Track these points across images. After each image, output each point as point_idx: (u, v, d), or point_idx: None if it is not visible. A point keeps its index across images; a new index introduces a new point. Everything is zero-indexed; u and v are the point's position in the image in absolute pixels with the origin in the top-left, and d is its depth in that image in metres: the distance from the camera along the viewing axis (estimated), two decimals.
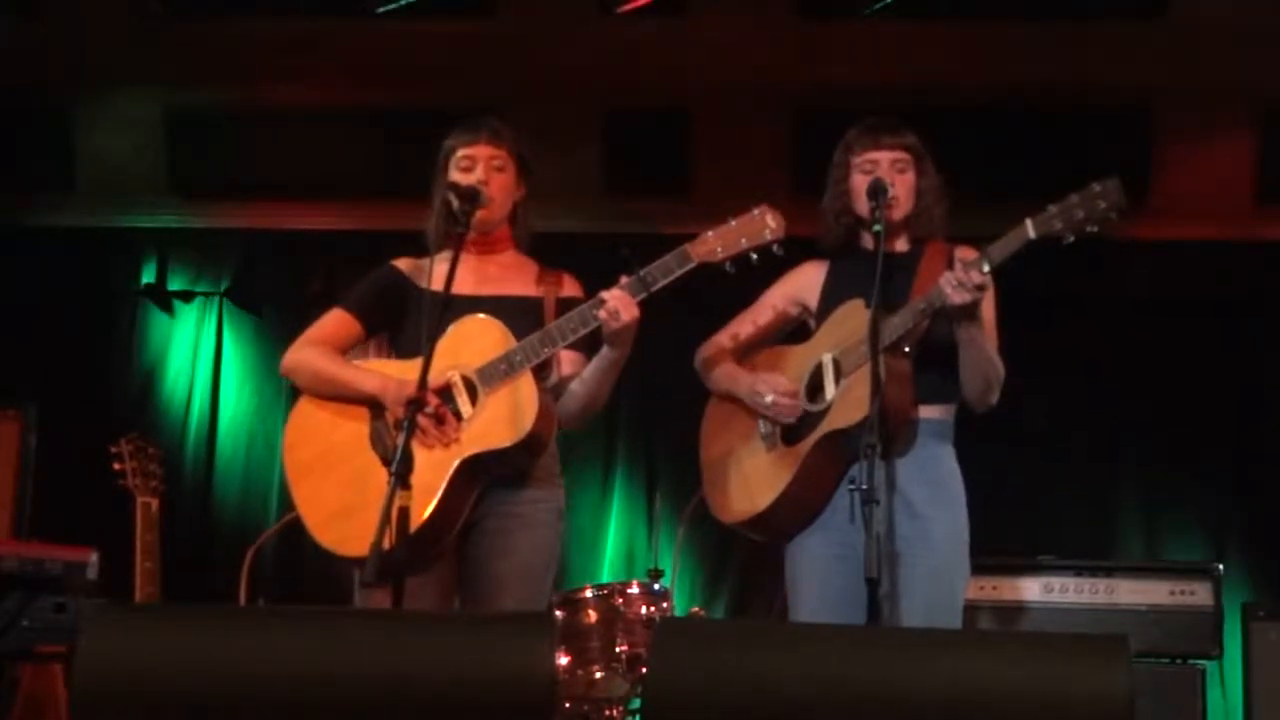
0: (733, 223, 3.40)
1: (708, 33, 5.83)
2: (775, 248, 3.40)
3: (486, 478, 3.41)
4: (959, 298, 3.29)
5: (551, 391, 3.48)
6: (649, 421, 6.36)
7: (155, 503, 4.73)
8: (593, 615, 4.47)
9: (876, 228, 3.41)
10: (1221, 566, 5.15)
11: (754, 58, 5.88)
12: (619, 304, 3.32)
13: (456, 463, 3.34)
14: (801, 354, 3.58)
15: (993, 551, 5.68)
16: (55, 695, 4.66)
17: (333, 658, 2.46)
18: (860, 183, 3.52)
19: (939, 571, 3.41)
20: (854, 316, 3.46)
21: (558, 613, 4.44)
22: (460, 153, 3.54)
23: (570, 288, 3.57)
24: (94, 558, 4.83)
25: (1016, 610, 5.02)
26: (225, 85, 6.09)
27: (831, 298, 3.59)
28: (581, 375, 3.49)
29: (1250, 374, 6.11)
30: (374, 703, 2.42)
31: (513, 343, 3.39)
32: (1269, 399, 6.06)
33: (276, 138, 6.19)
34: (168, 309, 6.57)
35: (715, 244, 3.38)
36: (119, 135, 6.29)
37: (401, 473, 3.05)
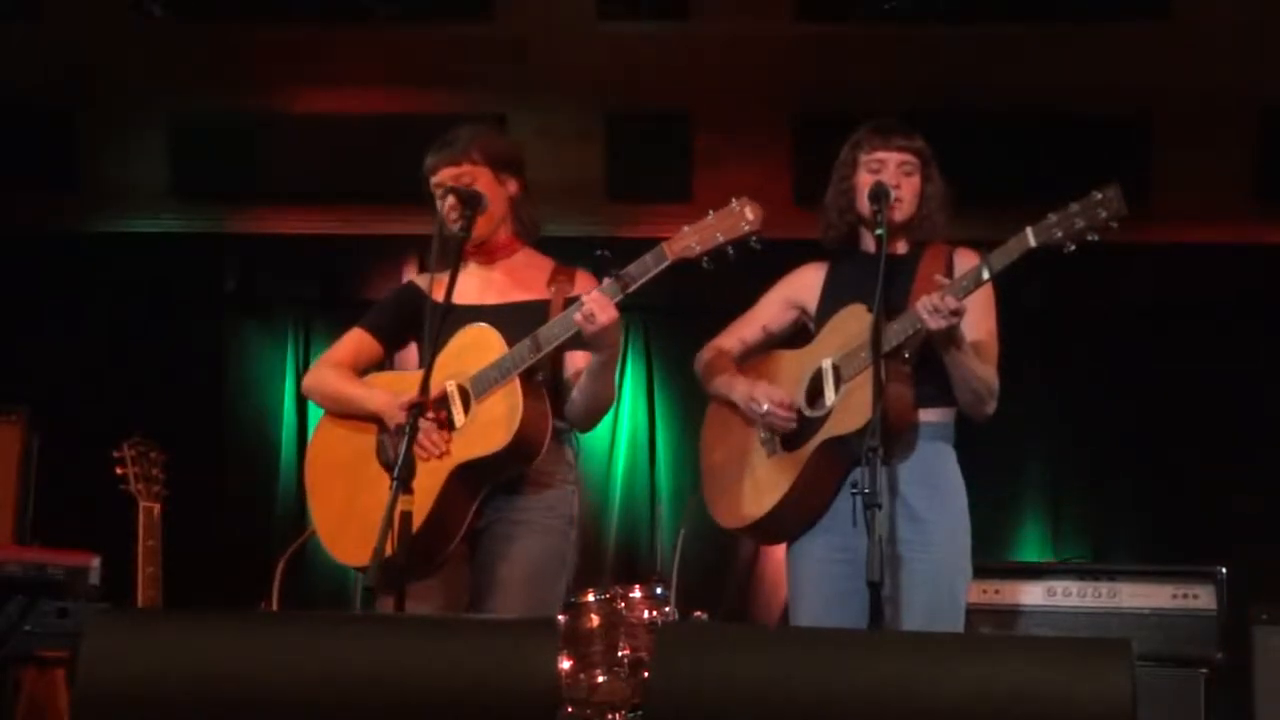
0: (710, 217, 3.34)
1: (709, 36, 5.83)
2: (753, 241, 3.32)
3: (486, 485, 3.42)
4: (934, 324, 3.30)
5: (561, 393, 3.49)
6: (650, 424, 6.37)
7: (157, 507, 4.73)
8: (595, 619, 4.48)
9: (879, 231, 3.41)
10: (1224, 570, 5.14)
11: (755, 61, 5.88)
12: (595, 306, 3.29)
13: (448, 471, 3.35)
14: (801, 358, 3.58)
15: (995, 555, 5.70)
16: (57, 700, 4.66)
17: (335, 662, 2.46)
18: (866, 181, 3.52)
19: (939, 574, 3.41)
20: (854, 321, 3.46)
21: (560, 617, 4.44)
22: (431, 182, 3.56)
23: (582, 285, 3.55)
24: (96, 563, 4.84)
25: (1019, 614, 5.01)
26: (228, 91, 6.10)
27: (831, 301, 3.59)
28: (579, 380, 3.49)
29: (1252, 377, 6.11)
30: (376, 707, 2.42)
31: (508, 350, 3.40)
32: (1270, 401, 6.07)
33: (279, 143, 6.19)
34: (171, 314, 6.58)
35: (691, 239, 3.33)
36: (122, 140, 6.30)
37: (404, 478, 3.06)
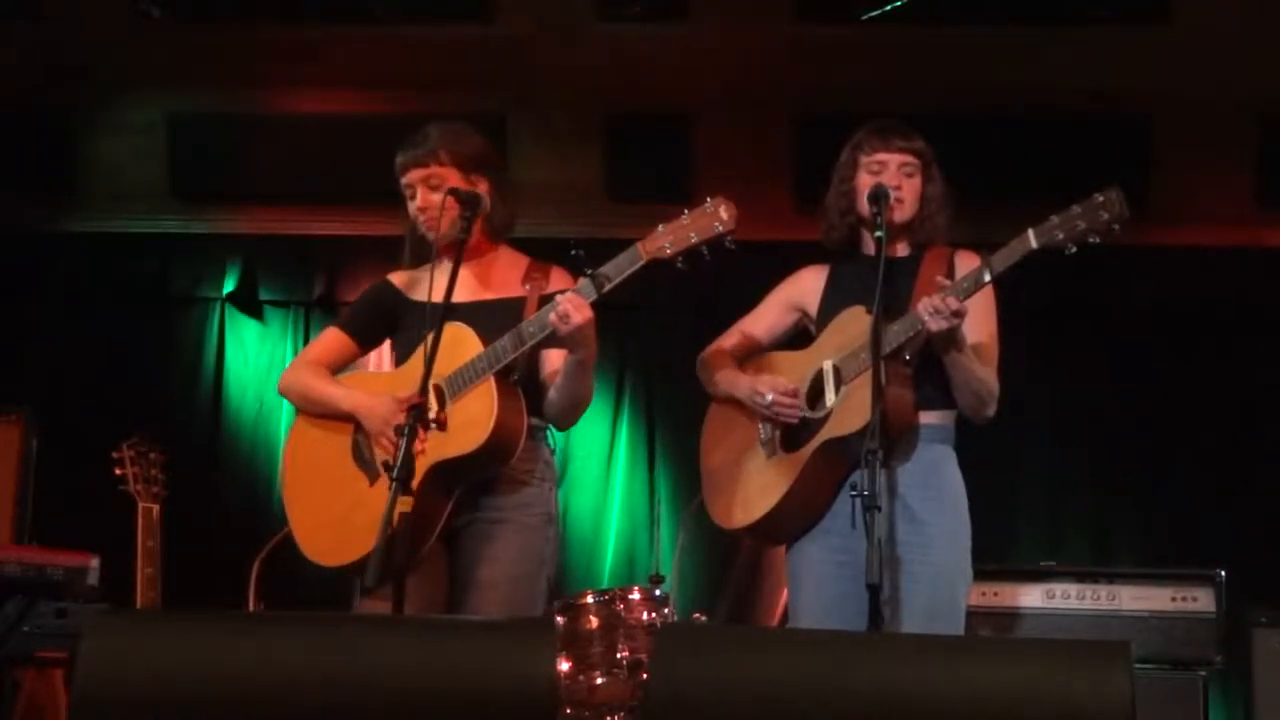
0: (685, 217, 3.31)
1: (708, 38, 5.83)
2: (727, 241, 3.29)
3: (461, 483, 3.40)
4: (935, 325, 3.30)
5: (539, 391, 3.48)
6: (650, 426, 6.36)
7: (156, 508, 4.73)
8: (594, 621, 4.46)
9: (878, 234, 3.41)
10: (1223, 573, 5.14)
11: (754, 63, 5.88)
12: (569, 307, 3.28)
13: (424, 471, 3.31)
14: (802, 360, 3.58)
15: (994, 558, 5.71)
16: (56, 701, 4.65)
17: (333, 663, 2.46)
18: (866, 182, 3.52)
19: (940, 577, 3.41)
20: (855, 323, 3.45)
21: (559, 618, 4.44)
22: (401, 182, 3.55)
23: (558, 282, 3.54)
24: (95, 563, 4.83)
25: (1018, 617, 5.01)
26: (227, 91, 6.10)
27: (832, 303, 3.59)
28: (556, 379, 3.48)
29: (1252, 380, 6.11)
30: (374, 708, 2.42)
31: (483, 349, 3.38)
32: (1270, 405, 6.06)
33: (278, 143, 6.19)
34: (170, 315, 6.58)
35: (665, 239, 3.31)
36: (121, 141, 6.30)
37: (403, 478, 3.06)
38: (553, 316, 3.30)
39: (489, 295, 3.53)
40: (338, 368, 3.63)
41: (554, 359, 3.50)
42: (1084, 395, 6.18)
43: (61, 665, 4.61)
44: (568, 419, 3.55)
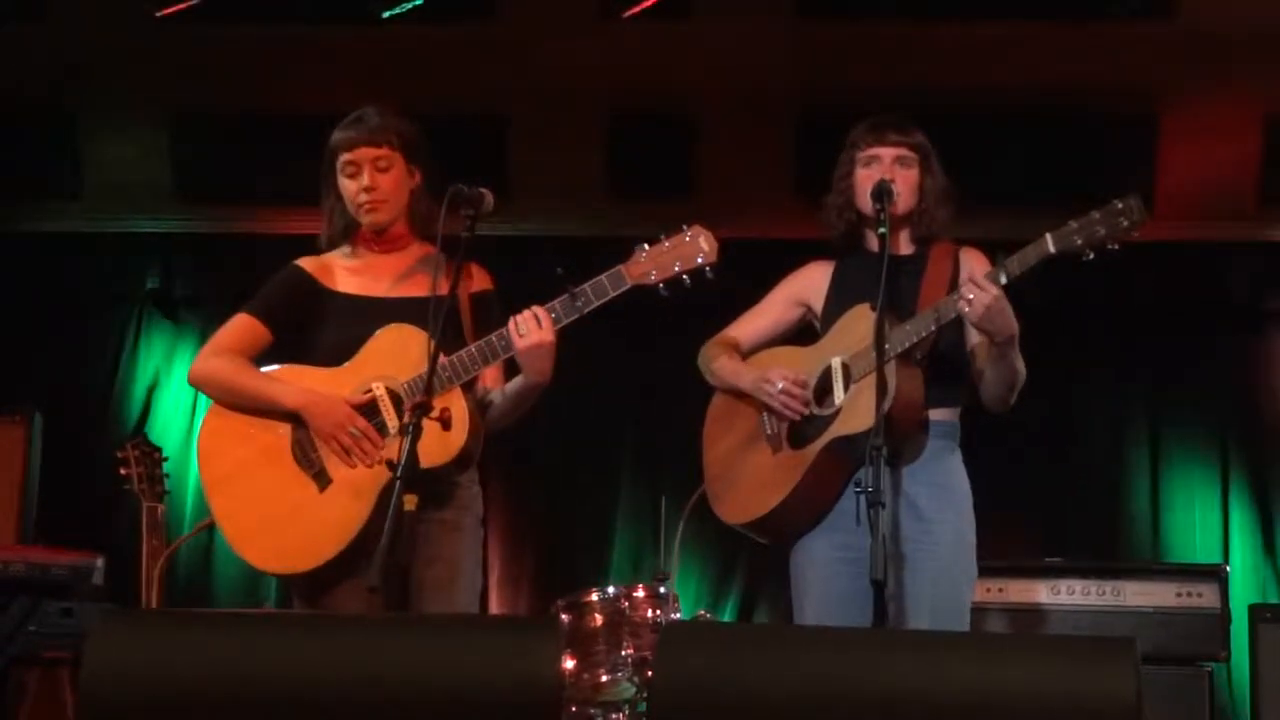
0: (665, 244, 3.30)
1: (710, 36, 5.83)
2: (707, 271, 3.29)
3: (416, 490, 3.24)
4: (975, 316, 3.26)
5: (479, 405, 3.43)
6: (654, 425, 6.36)
7: (161, 508, 4.74)
8: (599, 619, 4.47)
9: (882, 230, 3.40)
10: (1228, 568, 5.14)
11: (756, 60, 5.88)
12: (527, 323, 3.24)
13: (386, 479, 3.22)
14: (808, 356, 3.57)
15: (1000, 554, 5.71)
16: (62, 700, 4.66)
17: (338, 662, 2.46)
18: (864, 177, 3.51)
19: (944, 573, 3.40)
20: (864, 321, 3.44)
21: (564, 616, 4.44)
22: (342, 158, 3.44)
23: (480, 281, 3.50)
24: (100, 563, 4.84)
25: (1023, 612, 5.01)
26: (230, 91, 6.10)
27: (837, 300, 3.58)
28: (504, 390, 3.42)
29: (1254, 377, 6.11)
30: (379, 707, 2.42)
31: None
32: (1274, 400, 6.06)
33: (281, 143, 6.19)
34: (173, 315, 6.59)
35: (649, 266, 3.29)
36: (125, 141, 6.30)
37: (407, 478, 3.03)
38: (510, 325, 3.25)
39: (419, 292, 3.39)
40: (251, 358, 3.44)
41: (489, 373, 3.42)
42: (1087, 391, 6.18)
43: (67, 665, 4.61)
44: (494, 430, 3.47)
